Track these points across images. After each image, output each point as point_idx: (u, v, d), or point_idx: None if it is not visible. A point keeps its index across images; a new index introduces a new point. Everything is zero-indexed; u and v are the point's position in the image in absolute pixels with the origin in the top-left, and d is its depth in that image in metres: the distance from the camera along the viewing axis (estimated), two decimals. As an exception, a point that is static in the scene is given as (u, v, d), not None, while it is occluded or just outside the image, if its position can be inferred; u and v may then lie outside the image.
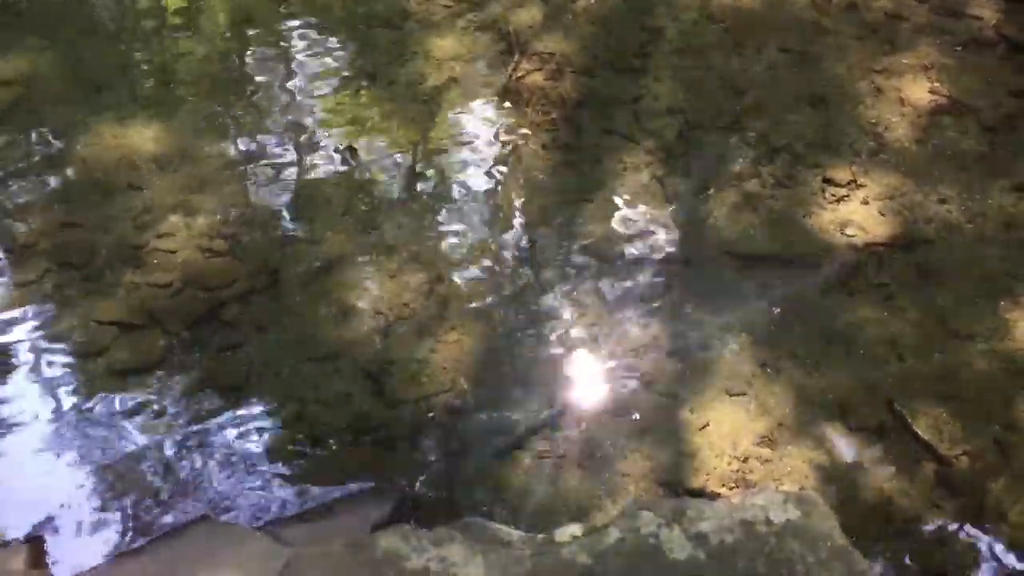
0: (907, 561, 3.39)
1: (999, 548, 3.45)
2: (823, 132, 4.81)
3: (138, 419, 3.71)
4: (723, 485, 3.51)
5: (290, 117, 4.90)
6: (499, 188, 4.60)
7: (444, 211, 4.49)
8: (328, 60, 5.21)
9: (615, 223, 4.43)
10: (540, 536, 2.92)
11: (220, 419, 3.73)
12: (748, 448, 3.62)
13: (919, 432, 3.69)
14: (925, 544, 3.44)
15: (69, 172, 4.53)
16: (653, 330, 4.02)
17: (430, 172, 4.67)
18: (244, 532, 3.32)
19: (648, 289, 4.17)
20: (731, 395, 3.79)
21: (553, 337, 4.00)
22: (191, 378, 3.83)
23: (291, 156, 4.71)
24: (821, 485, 3.53)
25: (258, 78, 5.12)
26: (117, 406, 3.75)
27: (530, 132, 4.81)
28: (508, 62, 5.14)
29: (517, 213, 4.50)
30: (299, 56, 5.24)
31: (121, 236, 4.27)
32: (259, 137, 4.79)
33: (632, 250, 4.33)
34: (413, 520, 3.33)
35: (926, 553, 3.42)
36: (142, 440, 3.65)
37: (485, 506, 3.44)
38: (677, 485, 3.52)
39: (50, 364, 3.87)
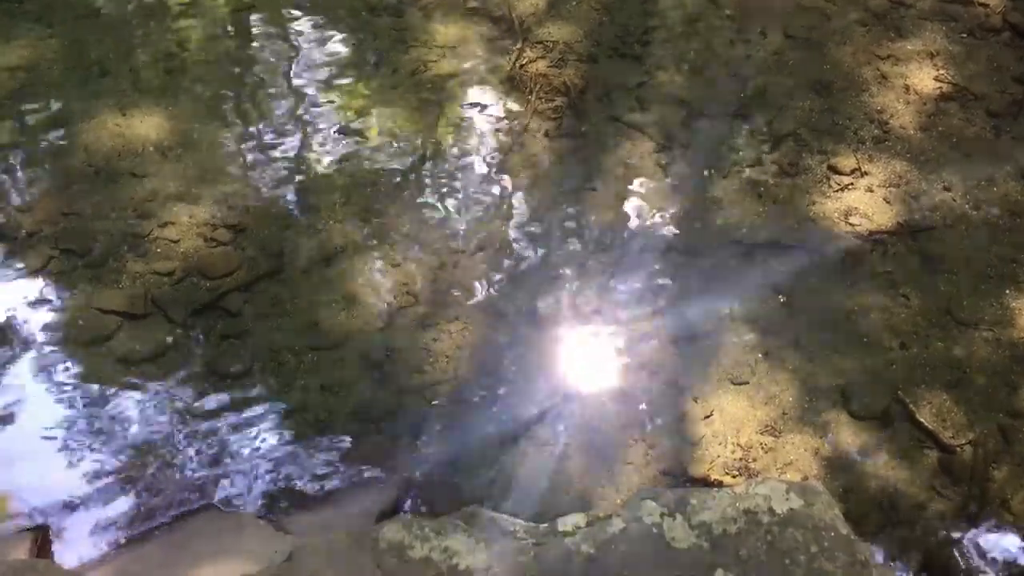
0: (910, 550, 3.39)
1: (1002, 536, 3.45)
2: (827, 119, 4.79)
3: (141, 407, 3.71)
4: (726, 474, 3.51)
5: (293, 104, 4.89)
6: (502, 175, 4.59)
7: (447, 199, 4.48)
8: (331, 46, 5.20)
9: (619, 210, 4.42)
10: (543, 526, 2.92)
11: (223, 408, 3.73)
12: (751, 437, 3.62)
13: (923, 420, 3.69)
14: (928, 532, 3.44)
15: (71, 160, 4.53)
16: (656, 318, 4.01)
17: (433, 159, 4.66)
18: (248, 521, 3.33)
19: (651, 277, 4.16)
20: (735, 384, 3.79)
21: (556, 325, 4.00)
22: (194, 366, 3.83)
23: (294, 143, 4.70)
24: (824, 473, 3.53)
25: (261, 65, 5.10)
26: (120, 394, 3.75)
27: (533, 119, 4.79)
28: (511, 49, 5.12)
29: (520, 201, 4.49)
30: (302, 43, 5.22)
31: (124, 224, 4.26)
32: (262, 124, 4.78)
33: (636, 238, 4.32)
34: (416, 509, 3.34)
35: (929, 541, 3.42)
36: (145, 428, 3.66)
37: (488, 495, 3.45)
38: (680, 474, 3.52)
39: (53, 352, 3.87)
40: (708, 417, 3.69)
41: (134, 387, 3.77)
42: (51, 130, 4.66)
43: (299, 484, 3.53)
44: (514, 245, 4.30)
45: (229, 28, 5.33)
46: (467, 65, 5.08)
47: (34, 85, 4.85)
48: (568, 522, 2.90)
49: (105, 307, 3.97)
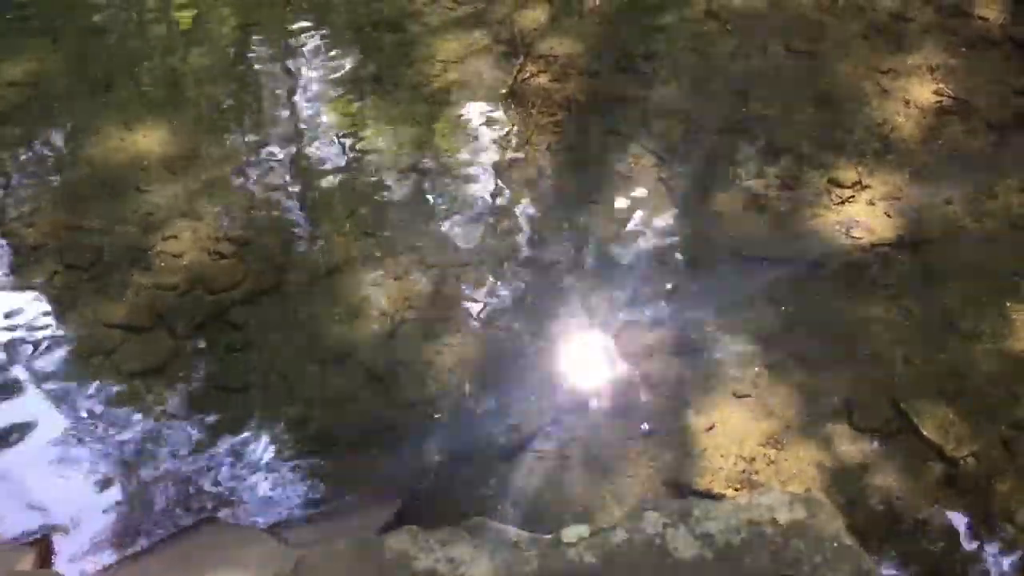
0: (913, 562, 3.39)
1: (1005, 549, 3.44)
2: (828, 133, 4.81)
3: (145, 420, 3.72)
4: (729, 486, 3.51)
5: (296, 119, 4.91)
6: (504, 190, 4.60)
7: (450, 213, 4.50)
8: (333, 62, 5.22)
9: (620, 225, 4.43)
10: (546, 536, 2.92)
11: (226, 421, 3.73)
12: (754, 449, 3.62)
13: (925, 432, 3.68)
14: (931, 544, 3.43)
15: (76, 174, 4.55)
16: (659, 331, 4.02)
17: (435, 174, 4.68)
18: (251, 533, 3.33)
19: (653, 290, 4.17)
20: (737, 396, 3.79)
21: (559, 338, 4.01)
22: (197, 380, 3.84)
23: (297, 158, 4.72)
24: (827, 485, 3.52)
25: (264, 80, 5.13)
26: (124, 407, 3.76)
27: (535, 134, 4.81)
28: (513, 64, 5.15)
29: (522, 215, 4.50)
30: (305, 58, 5.25)
31: (128, 238, 4.28)
32: (265, 139, 4.80)
33: (637, 251, 4.33)
34: (420, 521, 3.34)
35: (932, 554, 3.42)
36: (148, 441, 3.66)
37: (492, 507, 3.44)
38: (683, 486, 3.52)
39: (57, 365, 3.88)
40: (710, 429, 3.69)
41: (137, 400, 3.78)
42: (56, 144, 4.69)
43: (302, 497, 3.54)
44: (516, 258, 4.31)
45: (233, 44, 5.37)
46: (469, 80, 5.10)
47: (39, 99, 4.88)
48: (571, 533, 2.90)
49: (109, 320, 3.99)
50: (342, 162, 4.70)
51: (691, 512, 2.90)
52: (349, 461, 3.62)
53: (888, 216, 4.42)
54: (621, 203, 4.52)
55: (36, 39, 5.19)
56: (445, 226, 4.43)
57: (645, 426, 3.70)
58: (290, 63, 5.24)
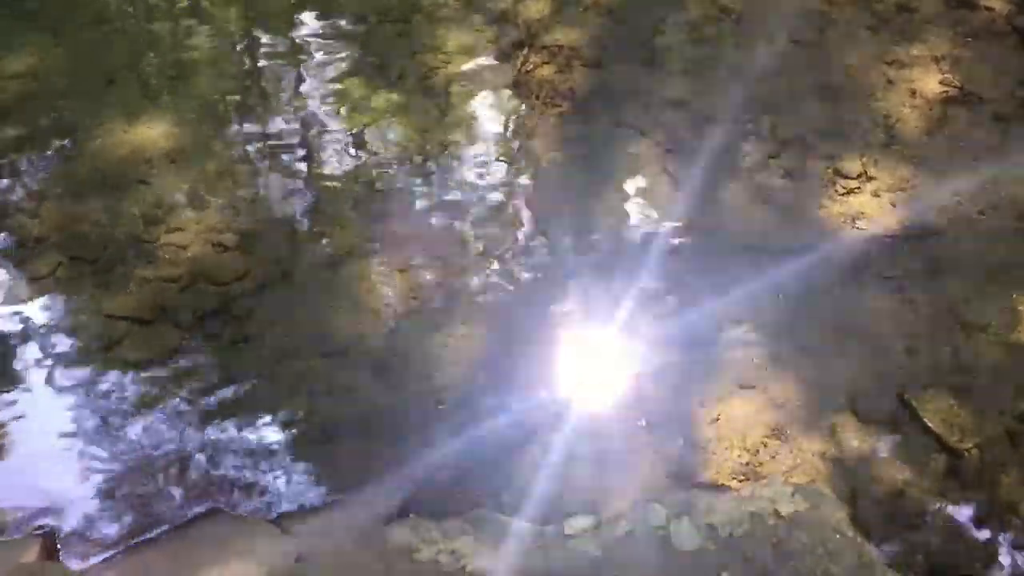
0: (916, 553, 3.39)
1: (1009, 540, 3.44)
2: (834, 124, 4.79)
3: (149, 413, 3.73)
4: (733, 478, 3.50)
5: (300, 111, 4.91)
6: (509, 181, 4.59)
7: (453, 204, 4.49)
8: (338, 53, 5.21)
9: (625, 215, 4.43)
10: (550, 528, 2.93)
11: (230, 413, 3.74)
12: (758, 440, 3.62)
13: (929, 424, 3.68)
14: (935, 536, 3.43)
15: (79, 166, 4.55)
16: (663, 323, 4.01)
17: (439, 165, 4.67)
18: (256, 525, 3.34)
19: (658, 281, 4.16)
20: (741, 388, 3.79)
21: (563, 330, 4.00)
22: (202, 372, 3.84)
23: (301, 150, 4.72)
24: (831, 477, 3.52)
25: (268, 72, 5.12)
26: (128, 400, 3.76)
27: (540, 125, 4.80)
28: (517, 55, 5.14)
29: (527, 206, 4.50)
30: (309, 49, 5.24)
31: (132, 230, 4.28)
32: (268, 131, 4.80)
33: (642, 242, 4.32)
34: (423, 512, 3.34)
35: (936, 545, 3.41)
36: (153, 433, 3.67)
37: (495, 499, 3.45)
38: (687, 478, 3.52)
39: (62, 358, 3.89)
40: (715, 421, 3.68)
41: (142, 392, 3.78)
42: (59, 137, 4.69)
43: (307, 488, 3.54)
44: (520, 250, 4.30)
45: (237, 35, 5.36)
46: (473, 70, 5.09)
47: (42, 93, 4.88)
48: (575, 524, 2.92)
49: (113, 313, 3.99)
50: (346, 153, 4.69)
51: (694, 504, 2.90)
52: (353, 453, 3.62)
53: (893, 207, 4.41)
54: (625, 193, 4.51)
55: (38, 33, 5.18)
56: (449, 218, 4.43)
57: (642, 422, 3.70)
58: (293, 54, 5.23)
